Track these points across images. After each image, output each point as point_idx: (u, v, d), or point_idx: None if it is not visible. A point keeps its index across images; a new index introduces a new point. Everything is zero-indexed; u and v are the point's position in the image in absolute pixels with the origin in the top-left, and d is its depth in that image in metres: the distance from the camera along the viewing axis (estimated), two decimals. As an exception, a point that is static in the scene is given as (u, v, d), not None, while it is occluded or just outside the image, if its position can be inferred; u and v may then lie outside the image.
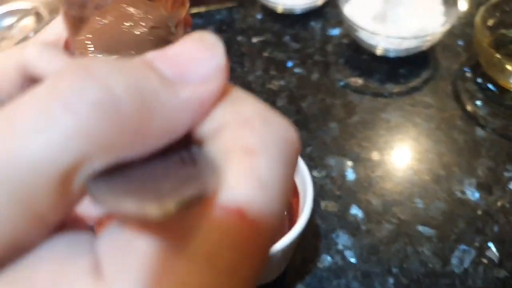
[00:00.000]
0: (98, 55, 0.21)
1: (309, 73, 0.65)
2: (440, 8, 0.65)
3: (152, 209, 0.10)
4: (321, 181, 0.52)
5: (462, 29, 0.69)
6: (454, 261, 0.46)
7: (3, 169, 0.10)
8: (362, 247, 0.47)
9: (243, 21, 0.74)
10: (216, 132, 0.13)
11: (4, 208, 0.10)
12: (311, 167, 0.52)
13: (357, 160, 0.54)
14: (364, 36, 0.62)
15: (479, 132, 0.57)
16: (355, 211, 0.50)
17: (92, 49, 0.21)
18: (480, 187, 0.51)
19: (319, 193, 0.51)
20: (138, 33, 0.21)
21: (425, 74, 0.64)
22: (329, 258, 0.47)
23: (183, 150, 0.13)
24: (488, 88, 0.61)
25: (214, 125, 0.13)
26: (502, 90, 0.61)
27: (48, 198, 0.11)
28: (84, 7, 0.21)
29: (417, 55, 0.64)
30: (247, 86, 0.63)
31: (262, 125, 0.13)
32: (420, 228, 0.48)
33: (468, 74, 0.63)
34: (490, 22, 0.63)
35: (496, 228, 0.48)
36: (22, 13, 0.70)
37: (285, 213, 0.46)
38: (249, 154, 0.12)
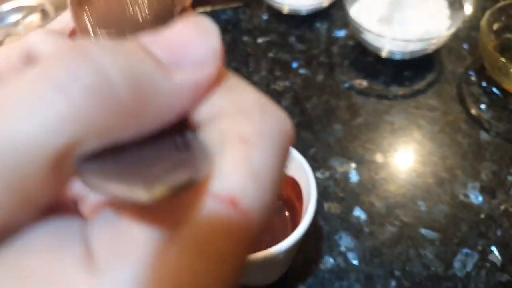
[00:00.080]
0: (97, 32, 0.21)
1: (314, 74, 0.65)
2: (445, 11, 0.65)
3: (142, 193, 0.10)
4: (324, 183, 0.52)
5: (467, 33, 0.69)
6: (456, 264, 0.46)
7: None
8: (364, 249, 0.47)
9: (248, 21, 0.74)
10: (212, 118, 0.13)
11: None
12: (314, 168, 0.52)
13: (360, 162, 0.54)
14: (370, 38, 0.62)
15: (483, 135, 0.57)
16: (358, 213, 0.50)
17: (92, 26, 0.21)
18: (483, 190, 0.51)
19: (323, 195, 0.51)
20: (141, 17, 0.21)
21: (430, 77, 0.64)
22: (331, 260, 0.47)
23: (177, 135, 0.13)
24: (493, 92, 0.61)
25: (210, 112, 0.13)
26: (506, 94, 0.61)
27: (39, 180, 0.11)
28: None
29: (422, 58, 0.64)
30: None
31: (259, 115, 0.13)
32: (423, 231, 0.48)
33: (473, 78, 0.63)
34: (496, 26, 0.63)
35: (499, 232, 0.48)
36: (28, 10, 0.70)
37: (287, 213, 0.46)
38: (244, 144, 0.12)
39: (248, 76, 0.65)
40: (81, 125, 0.11)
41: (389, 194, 0.51)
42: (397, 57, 0.64)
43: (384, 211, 0.50)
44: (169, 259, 0.11)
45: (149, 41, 0.13)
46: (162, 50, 0.13)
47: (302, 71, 0.65)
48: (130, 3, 0.21)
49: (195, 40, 0.13)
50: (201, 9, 0.74)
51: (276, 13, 0.74)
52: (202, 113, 0.13)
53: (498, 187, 0.52)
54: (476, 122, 0.58)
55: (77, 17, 0.22)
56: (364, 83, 0.63)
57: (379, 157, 0.55)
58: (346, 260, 0.47)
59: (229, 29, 0.72)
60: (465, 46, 0.68)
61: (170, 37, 0.13)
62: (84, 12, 0.21)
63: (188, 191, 0.11)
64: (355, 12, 0.65)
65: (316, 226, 0.49)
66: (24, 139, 0.10)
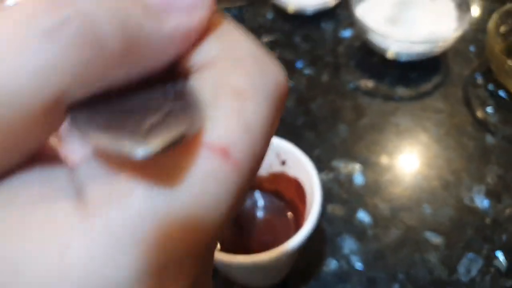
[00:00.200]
0: None
1: (319, 75, 0.64)
2: (452, 13, 0.65)
3: (136, 148, 0.10)
4: (328, 184, 0.52)
5: (474, 35, 0.69)
6: (461, 269, 0.45)
7: None
8: (368, 252, 0.47)
9: (253, 20, 0.73)
10: (204, 67, 0.13)
11: None
12: (318, 170, 0.52)
13: (365, 163, 0.54)
14: (376, 39, 0.62)
15: (489, 138, 0.56)
16: (362, 215, 0.49)
17: None
18: (489, 194, 0.51)
19: (326, 196, 0.51)
20: None
21: (436, 79, 0.63)
22: (334, 262, 0.46)
23: (168, 84, 0.13)
24: (499, 95, 0.61)
25: (202, 60, 0.13)
26: (513, 97, 0.60)
27: (26, 128, 0.10)
28: None
29: (428, 60, 0.64)
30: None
31: (253, 66, 0.13)
32: (428, 234, 0.48)
33: (479, 81, 0.63)
34: (503, 29, 0.63)
35: (504, 237, 0.47)
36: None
37: (290, 215, 0.45)
38: (238, 96, 0.12)
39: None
40: (69, 73, 0.10)
41: (393, 197, 0.51)
42: (403, 58, 0.63)
43: (388, 214, 0.49)
44: (161, 212, 0.11)
45: None
46: None
47: (307, 71, 0.65)
48: None
49: None
50: (206, 8, 0.74)
51: (281, 12, 0.74)
52: (194, 61, 0.13)
53: (503, 191, 0.51)
54: (482, 125, 0.58)
55: None
56: (369, 84, 0.63)
57: (384, 159, 0.54)
58: (349, 263, 0.46)
59: (234, 28, 0.72)
60: (472, 48, 0.67)
61: None
62: None
63: (182, 144, 0.11)
64: (361, 12, 0.64)
65: (319, 228, 0.48)
66: (11, 87, 0.10)
